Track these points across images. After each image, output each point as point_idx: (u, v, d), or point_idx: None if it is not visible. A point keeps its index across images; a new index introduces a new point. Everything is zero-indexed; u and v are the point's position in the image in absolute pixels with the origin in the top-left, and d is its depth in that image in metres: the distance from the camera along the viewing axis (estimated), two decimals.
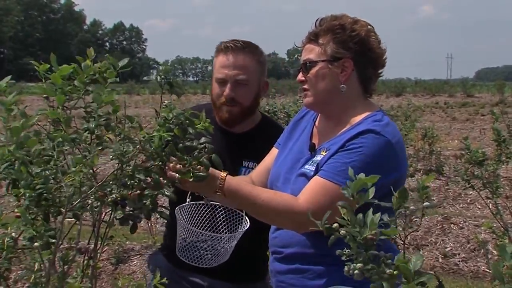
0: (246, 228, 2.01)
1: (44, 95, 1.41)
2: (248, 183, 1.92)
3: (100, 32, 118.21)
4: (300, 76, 1.98)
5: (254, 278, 2.42)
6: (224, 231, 2.10)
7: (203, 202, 2.10)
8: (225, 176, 1.80)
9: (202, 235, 1.95)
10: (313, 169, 1.89)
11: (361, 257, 1.04)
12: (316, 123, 2.09)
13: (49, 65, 1.44)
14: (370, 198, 1.09)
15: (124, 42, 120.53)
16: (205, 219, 2.12)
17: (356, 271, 1.04)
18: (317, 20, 1.98)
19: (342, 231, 1.06)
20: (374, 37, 1.94)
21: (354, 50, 1.90)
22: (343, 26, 1.90)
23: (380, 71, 2.00)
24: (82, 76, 1.39)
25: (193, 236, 1.96)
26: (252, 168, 2.32)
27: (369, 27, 1.94)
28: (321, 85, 1.94)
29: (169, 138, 1.42)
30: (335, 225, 1.07)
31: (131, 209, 1.40)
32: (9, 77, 1.43)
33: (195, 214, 2.10)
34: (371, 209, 1.06)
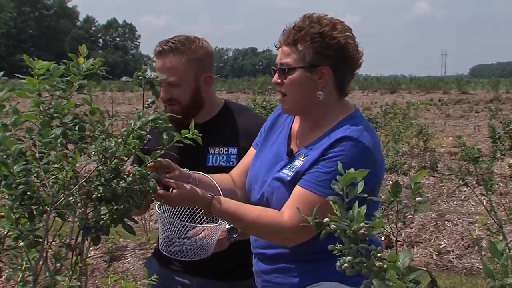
0: (226, 223, 2.01)
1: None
2: (235, 202, 1.91)
3: (93, 28, 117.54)
4: (277, 78, 1.95)
5: (245, 276, 2.41)
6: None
7: None
8: (211, 199, 1.83)
9: (184, 227, 1.96)
10: (291, 175, 1.89)
11: (351, 251, 1.05)
12: (293, 124, 2.07)
13: (42, 61, 1.43)
14: (359, 192, 1.10)
15: (118, 39, 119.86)
16: (186, 216, 2.11)
17: (345, 265, 1.05)
18: (295, 22, 1.92)
19: (333, 225, 1.06)
20: (353, 42, 1.91)
21: (333, 58, 1.87)
22: (322, 34, 1.85)
23: (355, 72, 1.97)
24: (51, 80, 1.38)
25: (175, 232, 1.96)
26: (219, 154, 2.35)
27: (347, 33, 1.90)
28: (298, 92, 1.92)
29: (133, 146, 1.43)
30: (326, 219, 1.08)
31: (93, 220, 1.39)
32: (2, 73, 1.42)
33: (176, 212, 2.10)
34: (357, 202, 1.07)
